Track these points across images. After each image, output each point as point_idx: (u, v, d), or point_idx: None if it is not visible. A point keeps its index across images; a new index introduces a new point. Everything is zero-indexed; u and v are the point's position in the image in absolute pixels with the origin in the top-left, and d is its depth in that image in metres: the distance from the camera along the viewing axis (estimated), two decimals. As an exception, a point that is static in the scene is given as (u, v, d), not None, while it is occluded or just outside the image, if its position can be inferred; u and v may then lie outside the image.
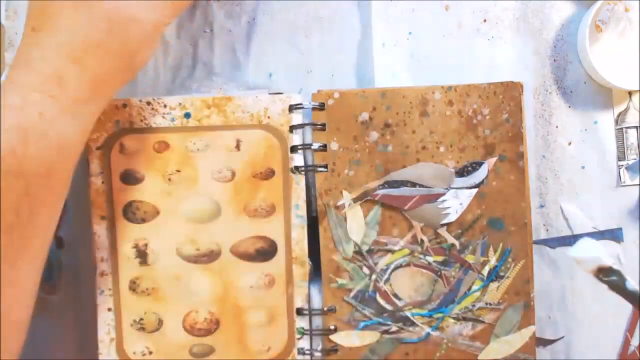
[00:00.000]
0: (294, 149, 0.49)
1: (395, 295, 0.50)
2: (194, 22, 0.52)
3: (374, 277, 0.50)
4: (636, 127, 0.53)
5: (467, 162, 0.48)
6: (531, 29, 0.53)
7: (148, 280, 0.48)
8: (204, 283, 0.48)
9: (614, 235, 0.53)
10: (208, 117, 0.48)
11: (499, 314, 0.50)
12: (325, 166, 0.49)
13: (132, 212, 0.48)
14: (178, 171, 0.48)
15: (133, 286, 0.48)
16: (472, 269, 0.50)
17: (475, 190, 0.49)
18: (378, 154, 0.49)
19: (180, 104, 0.48)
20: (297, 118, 0.49)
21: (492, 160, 0.47)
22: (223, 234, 0.48)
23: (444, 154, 0.49)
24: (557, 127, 0.53)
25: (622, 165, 0.53)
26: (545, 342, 0.53)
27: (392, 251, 0.50)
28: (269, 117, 0.48)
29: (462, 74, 0.52)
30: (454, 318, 0.50)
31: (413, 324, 0.50)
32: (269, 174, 0.48)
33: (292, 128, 0.49)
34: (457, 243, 0.49)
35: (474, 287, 0.50)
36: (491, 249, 0.50)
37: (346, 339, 0.49)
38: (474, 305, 0.50)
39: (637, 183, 0.53)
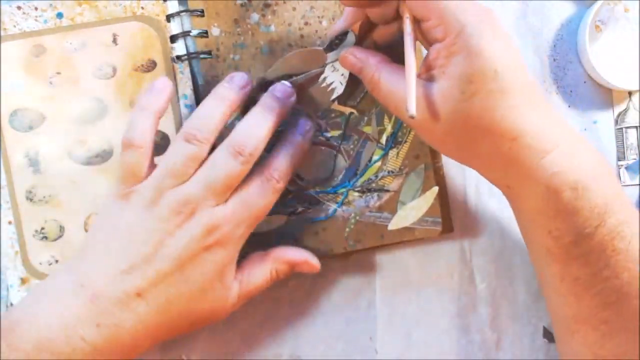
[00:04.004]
0: (174, 39, 0.48)
1: (298, 176, 0.49)
2: None
3: (273, 159, 0.49)
4: (636, 127, 0.52)
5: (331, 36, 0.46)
6: (531, 29, 0.52)
7: (44, 188, 0.48)
8: (101, 184, 0.48)
9: None
10: (81, 14, 0.47)
11: (402, 181, 0.49)
12: (209, 52, 0.48)
13: (19, 121, 0.48)
14: (58, 73, 0.47)
15: (30, 196, 0.48)
16: (370, 140, 0.49)
17: None
18: (262, 34, 0.49)
19: (51, 4, 0.47)
20: (172, 6, 0.48)
21: (356, 25, 0.45)
22: (112, 132, 0.48)
23: (327, 28, 0.49)
24: None
25: (622, 165, 0.52)
26: (551, 338, 0.52)
27: (288, 132, 0.49)
28: (142, 8, 0.47)
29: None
30: (358, 191, 0.50)
31: (319, 202, 0.49)
32: (151, 65, 0.48)
33: (168, 17, 0.48)
34: (355, 111, 0.49)
35: (375, 157, 0.49)
36: (386, 116, 0.49)
37: (253, 224, 0.49)
38: (376, 176, 0.49)
39: (637, 183, 0.52)
